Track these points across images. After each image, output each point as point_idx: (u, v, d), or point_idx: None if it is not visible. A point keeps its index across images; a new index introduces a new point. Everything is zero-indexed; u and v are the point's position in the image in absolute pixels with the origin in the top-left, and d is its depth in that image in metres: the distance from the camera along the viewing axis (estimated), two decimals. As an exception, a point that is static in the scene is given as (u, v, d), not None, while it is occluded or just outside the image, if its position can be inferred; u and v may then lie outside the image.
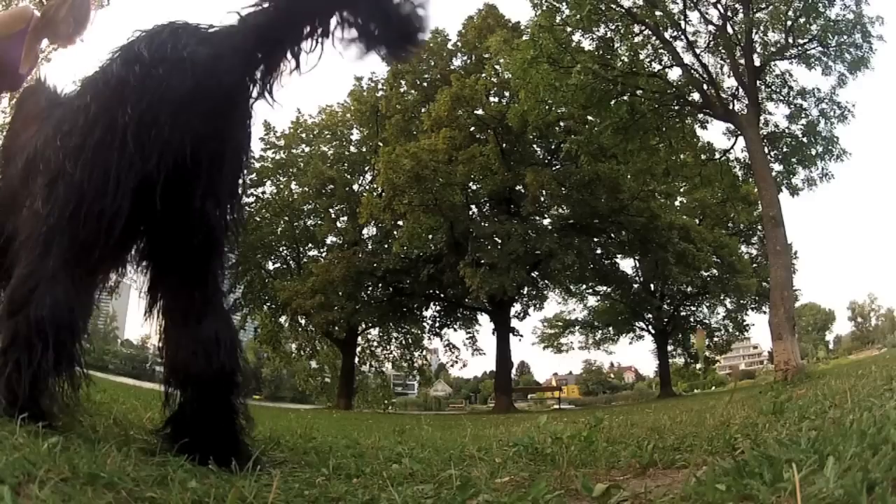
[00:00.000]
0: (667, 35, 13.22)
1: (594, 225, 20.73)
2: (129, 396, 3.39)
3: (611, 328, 29.30)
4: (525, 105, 13.75)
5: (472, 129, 20.93)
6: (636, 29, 13.38)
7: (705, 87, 13.11)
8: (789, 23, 12.20)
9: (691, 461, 1.39)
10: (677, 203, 24.26)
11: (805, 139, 12.90)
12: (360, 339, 24.79)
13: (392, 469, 1.48)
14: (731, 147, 14.33)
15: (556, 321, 30.99)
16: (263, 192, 24.62)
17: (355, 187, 24.63)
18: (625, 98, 13.33)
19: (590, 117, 15.67)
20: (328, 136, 25.38)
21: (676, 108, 13.79)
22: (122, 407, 2.56)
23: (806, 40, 12.37)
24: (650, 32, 13.32)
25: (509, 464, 1.59)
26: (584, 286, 25.83)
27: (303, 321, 22.65)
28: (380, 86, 24.15)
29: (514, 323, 23.00)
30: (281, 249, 24.83)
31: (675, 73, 13.64)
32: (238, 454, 1.33)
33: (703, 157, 14.86)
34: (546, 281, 22.97)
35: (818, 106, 12.96)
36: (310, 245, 25.60)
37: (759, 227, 22.76)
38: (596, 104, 13.25)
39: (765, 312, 23.03)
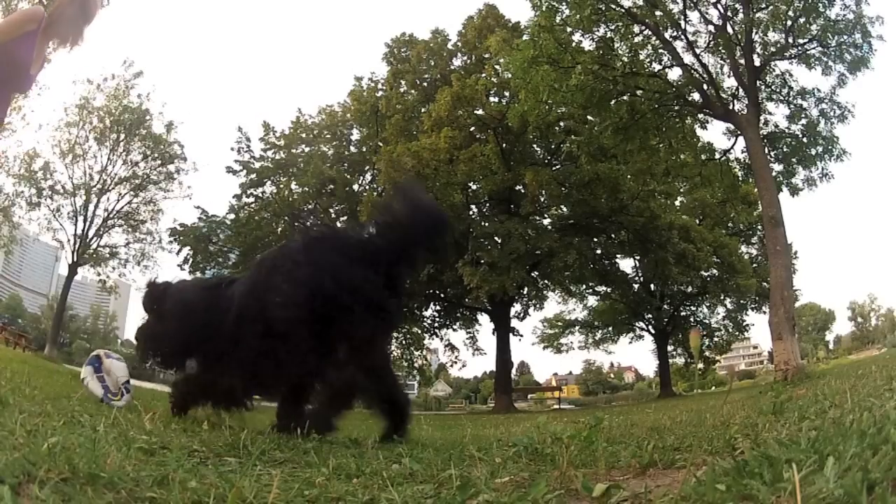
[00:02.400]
0: (667, 35, 13.21)
1: (594, 225, 20.72)
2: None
3: (611, 328, 29.34)
4: (525, 105, 13.72)
5: (473, 128, 20.92)
6: (636, 29, 13.37)
7: (705, 87, 13.09)
8: (789, 23, 12.19)
9: (691, 461, 1.39)
10: (677, 203, 24.28)
11: (805, 139, 12.89)
12: (360, 338, 24.71)
13: (392, 469, 1.48)
14: (731, 147, 14.36)
15: (556, 321, 31.02)
16: (263, 192, 24.60)
17: (355, 187, 24.62)
18: (625, 98, 13.33)
19: (590, 117, 15.67)
20: (328, 136, 25.38)
21: (676, 108, 13.78)
22: (122, 407, 2.55)
23: (806, 40, 12.37)
24: (650, 32, 13.30)
25: (509, 464, 1.59)
26: (584, 286, 25.84)
27: (303, 321, 22.60)
28: (380, 86, 24.17)
29: (514, 323, 23.05)
30: (281, 249, 24.73)
31: (675, 73, 13.65)
32: None
33: (703, 157, 14.86)
34: (546, 281, 22.96)
35: (818, 106, 12.96)
36: (310, 245, 25.55)
37: (759, 227, 22.77)
38: (596, 104, 13.25)
39: (765, 312, 23.07)
